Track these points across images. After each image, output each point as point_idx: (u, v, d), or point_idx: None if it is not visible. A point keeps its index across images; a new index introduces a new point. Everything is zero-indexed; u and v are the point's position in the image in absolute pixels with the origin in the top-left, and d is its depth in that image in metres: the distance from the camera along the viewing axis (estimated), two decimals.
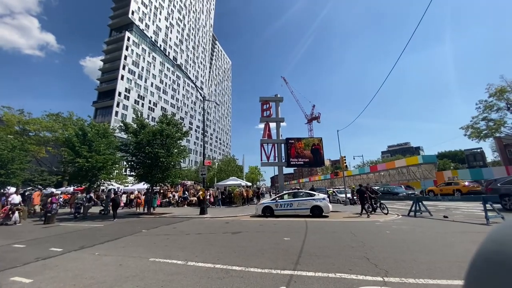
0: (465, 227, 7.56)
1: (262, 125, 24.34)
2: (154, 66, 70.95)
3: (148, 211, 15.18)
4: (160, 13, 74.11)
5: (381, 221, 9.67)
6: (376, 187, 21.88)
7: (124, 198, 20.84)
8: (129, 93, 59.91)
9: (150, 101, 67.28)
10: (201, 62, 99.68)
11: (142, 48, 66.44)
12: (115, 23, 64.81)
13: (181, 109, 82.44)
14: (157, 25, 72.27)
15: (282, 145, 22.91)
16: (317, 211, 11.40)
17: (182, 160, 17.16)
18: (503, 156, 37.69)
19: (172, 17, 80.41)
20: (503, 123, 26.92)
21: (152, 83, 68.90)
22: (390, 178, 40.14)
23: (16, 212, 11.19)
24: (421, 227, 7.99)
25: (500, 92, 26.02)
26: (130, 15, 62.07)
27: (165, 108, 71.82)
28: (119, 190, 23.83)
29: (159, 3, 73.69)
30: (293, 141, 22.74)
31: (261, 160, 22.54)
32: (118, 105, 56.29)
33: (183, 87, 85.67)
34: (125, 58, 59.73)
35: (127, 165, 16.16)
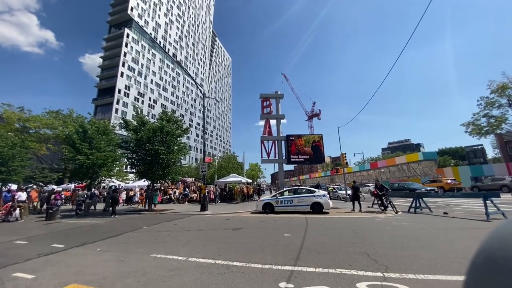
0: (465, 224, 7.57)
1: (262, 122, 24.31)
2: (153, 63, 70.58)
3: (149, 207, 15.25)
4: (159, 9, 73.45)
5: (382, 217, 9.70)
6: (395, 185, 21.31)
7: (123, 195, 20.92)
8: (129, 90, 59.73)
9: (150, 98, 67.10)
10: (201, 59, 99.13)
11: (142, 45, 66.02)
12: (114, 20, 64.31)
13: (181, 106, 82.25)
14: (156, 21, 71.69)
15: (283, 142, 22.90)
16: (317, 208, 11.43)
17: (182, 157, 17.17)
18: (504, 152, 37.63)
19: (172, 13, 79.70)
20: (504, 119, 26.86)
21: (152, 80, 68.63)
22: (390, 174, 40.16)
23: (18, 209, 11.25)
24: (421, 223, 8.02)
25: (501, 88, 25.91)
26: (129, 12, 61.53)
27: (165, 105, 71.64)
28: (120, 187, 23.93)
29: None
30: (293, 138, 22.73)
31: (262, 157, 22.57)
32: (118, 102, 56.17)
33: (183, 84, 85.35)
34: (125, 55, 59.41)
35: (127, 162, 16.20)
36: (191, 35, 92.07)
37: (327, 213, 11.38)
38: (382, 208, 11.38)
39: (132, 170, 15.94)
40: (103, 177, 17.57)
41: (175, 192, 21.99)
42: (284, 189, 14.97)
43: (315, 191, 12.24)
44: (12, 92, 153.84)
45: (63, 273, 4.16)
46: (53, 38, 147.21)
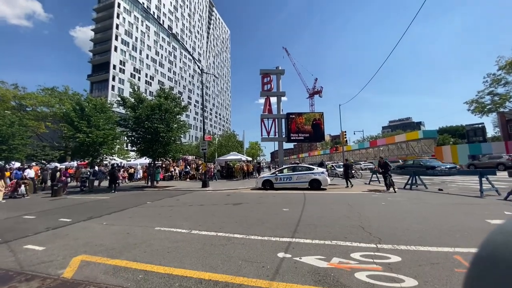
0: (458, 200, 7.81)
1: (262, 100, 23.85)
2: (148, 36, 67.12)
3: (152, 184, 15.62)
4: None
5: (377, 193, 9.97)
6: (410, 162, 20.00)
7: (125, 173, 21.29)
8: (124, 66, 57.62)
9: (146, 75, 65.05)
10: (198, 32, 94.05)
11: (135, 16, 62.15)
12: None
13: (179, 82, 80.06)
14: None
15: (283, 120, 22.70)
16: (315, 184, 11.72)
17: (182, 135, 17.17)
18: (504, 131, 37.58)
19: None
20: (508, 97, 26.39)
21: (147, 55, 65.88)
22: (389, 153, 40.58)
23: (23, 185, 11.52)
24: (416, 199, 8.27)
25: (510, 65, 25.02)
26: None
27: (163, 82, 69.73)
28: (122, 164, 24.29)
29: None
30: (294, 116, 22.49)
31: (262, 135, 22.54)
32: (114, 79, 54.57)
33: (180, 59, 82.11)
34: (117, 27, 56.24)
35: (127, 141, 16.22)
36: (187, 5, 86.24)
37: (325, 189, 11.69)
38: (386, 188, 10.69)
39: (133, 148, 16.02)
40: (105, 155, 17.72)
41: (174, 170, 22.36)
42: (284, 166, 15.20)
43: (313, 169, 12.45)
44: (3, 68, 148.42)
45: (72, 244, 4.37)
46: (41, 10, 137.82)
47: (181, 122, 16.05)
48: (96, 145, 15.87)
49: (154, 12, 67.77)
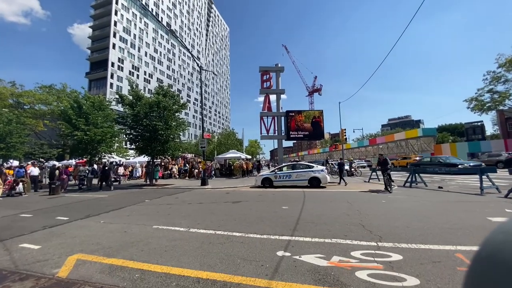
0: (459, 197, 7.78)
1: (261, 98, 23.74)
2: (146, 33, 66.60)
3: (151, 182, 15.55)
4: None
5: (377, 191, 9.93)
6: (427, 159, 19.08)
7: (121, 170, 21.19)
8: (122, 63, 57.23)
9: (145, 72, 64.66)
10: (197, 29, 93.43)
11: (133, 13, 61.60)
12: None
13: (178, 80, 79.66)
14: None
15: (282, 117, 22.63)
16: (315, 182, 11.67)
17: (181, 133, 17.07)
18: (503, 129, 37.67)
19: None
20: (508, 95, 26.37)
21: (146, 53, 65.43)
22: (389, 151, 40.58)
23: (20, 183, 11.43)
24: (416, 197, 8.23)
25: (510, 62, 24.97)
26: None
27: (161, 80, 69.33)
28: (121, 163, 24.17)
29: None
30: (293, 114, 22.42)
31: (261, 133, 22.49)
32: (112, 77, 54.21)
33: (179, 57, 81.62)
34: (115, 24, 55.74)
35: (126, 138, 16.12)
36: (185, 2, 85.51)
37: (324, 187, 11.65)
38: (384, 188, 9.72)
39: (132, 146, 15.92)
40: (103, 153, 17.61)
41: (171, 168, 22.28)
42: (283, 164, 15.15)
43: (313, 166, 12.39)
44: (1, 66, 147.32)
45: (68, 243, 4.30)
46: (39, 7, 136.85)
47: (180, 120, 15.94)
48: (94, 143, 15.76)
49: (152, 9, 67.17)
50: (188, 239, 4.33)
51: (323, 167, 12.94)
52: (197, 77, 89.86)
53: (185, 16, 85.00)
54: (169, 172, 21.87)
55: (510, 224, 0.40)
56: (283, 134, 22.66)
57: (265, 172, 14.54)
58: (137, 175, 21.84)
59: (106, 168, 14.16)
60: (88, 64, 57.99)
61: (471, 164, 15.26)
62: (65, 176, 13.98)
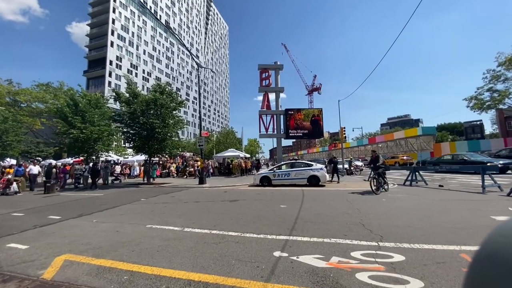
0: (460, 196, 7.65)
1: (261, 97, 23.54)
2: (145, 31, 66.15)
3: (148, 181, 15.39)
4: None
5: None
6: (447, 156, 17.17)
7: (117, 169, 21.03)
8: (120, 61, 56.84)
9: (143, 71, 64.28)
10: (196, 27, 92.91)
11: (131, 10, 61.13)
12: None
13: (177, 79, 79.29)
14: None
15: (281, 116, 22.46)
16: (314, 181, 11.53)
17: (179, 131, 16.88)
18: (502, 128, 37.60)
19: None
20: (508, 94, 26.27)
21: (144, 51, 65.01)
22: (388, 149, 40.53)
23: (14, 182, 11.25)
24: (417, 195, 8.10)
25: (510, 61, 24.85)
26: None
27: (160, 78, 68.97)
28: (119, 161, 23.97)
29: None
30: (292, 112, 22.24)
31: (260, 131, 22.32)
32: (110, 75, 53.84)
33: (178, 55, 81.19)
34: (113, 22, 55.30)
35: (123, 137, 15.94)
36: (184, 0, 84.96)
37: (323, 186, 11.52)
38: (375, 187, 8.49)
39: (129, 145, 15.73)
40: (100, 152, 17.41)
41: (169, 167, 22.10)
42: (282, 163, 15.01)
43: (312, 165, 12.26)
44: None
45: (57, 243, 4.14)
46: (37, 5, 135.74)
47: (177, 118, 15.75)
48: (91, 141, 15.56)
49: (151, 7, 66.72)
50: (182, 238, 4.17)
51: (322, 165, 12.80)
52: (196, 76, 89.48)
53: (184, 14, 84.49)
54: (167, 170, 21.69)
55: (510, 224, 0.40)
56: (282, 132, 22.50)
57: (263, 170, 14.39)
58: (135, 173, 21.66)
59: (96, 166, 13.94)
60: (86, 62, 57.57)
61: (501, 162, 13.20)
62: (62, 174, 13.81)
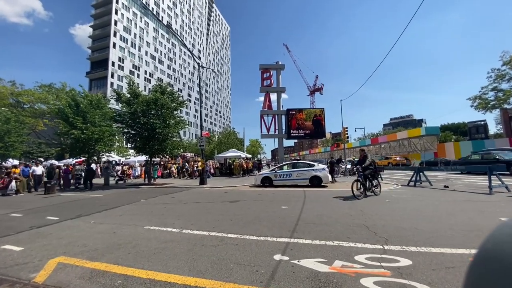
0: (467, 196, 7.45)
1: (262, 98, 23.43)
2: (147, 32, 66.47)
3: (149, 181, 15.32)
4: None
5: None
6: (476, 156, 15.41)
7: (118, 169, 21.01)
8: (123, 62, 57.12)
9: (146, 72, 64.54)
10: (198, 28, 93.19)
11: (133, 12, 61.47)
12: None
13: (179, 80, 79.52)
14: None
15: (283, 116, 22.32)
16: (316, 181, 11.37)
17: (181, 131, 16.81)
18: (507, 128, 37.02)
19: None
20: None
21: (146, 52, 65.29)
22: (391, 150, 40.15)
23: (13, 181, 11.22)
24: (421, 196, 7.92)
25: None
26: None
27: (162, 79, 69.20)
28: (121, 162, 23.99)
29: None
30: (294, 112, 22.10)
31: (261, 132, 22.20)
32: (112, 76, 54.14)
33: (180, 56, 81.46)
34: (116, 23, 55.64)
35: (124, 137, 15.89)
36: (186, 1, 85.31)
37: (325, 186, 11.35)
38: (357, 191, 7.72)
39: (131, 145, 15.68)
40: (101, 152, 17.37)
41: (170, 167, 22.04)
42: (283, 163, 14.86)
43: (314, 165, 12.09)
44: (2, 66, 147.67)
45: (53, 245, 4.04)
46: (41, 8, 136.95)
47: (178, 118, 15.67)
48: (92, 142, 15.51)
49: (153, 8, 67.04)
50: (180, 240, 4.05)
51: (324, 166, 12.63)
52: (198, 77, 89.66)
53: (186, 15, 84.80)
54: (168, 171, 21.64)
55: (510, 225, 0.40)
56: (283, 132, 22.35)
57: (265, 171, 14.26)
58: (136, 174, 21.63)
59: (90, 166, 13.88)
60: (89, 64, 57.96)
61: None
62: (64, 174, 13.80)
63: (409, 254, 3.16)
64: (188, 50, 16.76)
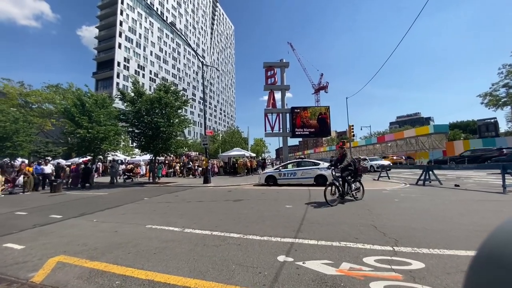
0: (479, 196, 7.16)
1: (266, 96, 23.26)
2: (152, 33, 66.95)
3: (153, 180, 15.37)
4: None
5: (388, 189, 9.38)
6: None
7: (121, 168, 21.16)
8: (128, 63, 57.70)
9: (151, 71, 65.06)
10: (202, 28, 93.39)
11: (138, 12, 61.96)
12: None
13: (183, 79, 79.93)
14: None
15: (287, 114, 22.09)
16: (321, 180, 11.15)
17: (185, 130, 16.81)
18: None
19: None
20: None
21: (151, 52, 65.79)
22: (398, 148, 39.43)
23: (21, 176, 11.37)
24: (431, 195, 7.65)
25: None
26: None
27: (167, 79, 69.66)
28: (126, 161, 24.21)
29: None
30: (298, 110, 21.85)
31: (265, 130, 22.05)
32: (118, 76, 54.76)
33: (184, 56, 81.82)
34: (121, 24, 56.19)
35: (128, 136, 15.97)
36: (190, 1, 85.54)
37: None
38: (332, 196, 6.70)
39: (135, 144, 15.76)
40: (107, 151, 17.52)
41: (175, 166, 22.09)
42: (288, 162, 14.68)
43: (319, 164, 11.88)
44: (12, 68, 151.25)
45: (54, 243, 4.00)
46: (49, 10, 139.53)
47: (182, 117, 15.66)
48: (97, 141, 15.64)
49: (157, 8, 67.44)
50: (181, 240, 3.96)
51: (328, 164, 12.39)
52: (202, 75, 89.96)
53: (190, 15, 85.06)
54: (172, 170, 21.71)
55: (509, 225, 0.40)
56: (288, 131, 22.13)
57: (269, 169, 14.11)
58: (142, 173, 21.79)
59: (88, 166, 13.97)
60: (95, 64, 58.76)
61: None
62: (72, 173, 13.94)
63: (421, 256, 2.97)
64: (192, 49, 16.71)
